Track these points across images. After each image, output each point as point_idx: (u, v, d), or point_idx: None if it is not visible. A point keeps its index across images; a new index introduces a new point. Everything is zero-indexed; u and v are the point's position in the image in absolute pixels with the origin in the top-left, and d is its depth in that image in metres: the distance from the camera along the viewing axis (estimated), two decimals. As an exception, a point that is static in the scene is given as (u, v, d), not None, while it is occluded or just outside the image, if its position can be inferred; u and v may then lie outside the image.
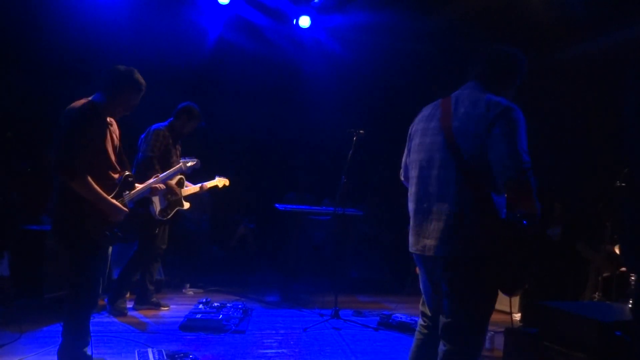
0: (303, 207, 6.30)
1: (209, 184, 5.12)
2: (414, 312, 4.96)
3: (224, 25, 6.81)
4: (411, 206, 2.60)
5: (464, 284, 2.38)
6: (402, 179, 2.87)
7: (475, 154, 2.31)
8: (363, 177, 5.75)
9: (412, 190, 2.60)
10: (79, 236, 3.02)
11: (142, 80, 3.27)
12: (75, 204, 2.99)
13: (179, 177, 4.78)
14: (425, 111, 2.64)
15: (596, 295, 4.86)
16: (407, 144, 2.75)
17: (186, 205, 4.91)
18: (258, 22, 6.79)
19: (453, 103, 2.46)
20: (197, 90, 7.37)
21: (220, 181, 5.19)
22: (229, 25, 6.82)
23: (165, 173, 4.40)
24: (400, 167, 2.84)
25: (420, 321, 2.77)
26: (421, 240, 2.47)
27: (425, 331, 2.71)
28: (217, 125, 7.98)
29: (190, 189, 4.97)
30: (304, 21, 6.85)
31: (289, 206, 6.11)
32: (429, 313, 2.69)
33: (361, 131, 5.04)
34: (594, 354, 3.05)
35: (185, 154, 4.86)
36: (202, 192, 6.87)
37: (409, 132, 2.73)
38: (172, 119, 4.99)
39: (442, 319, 2.48)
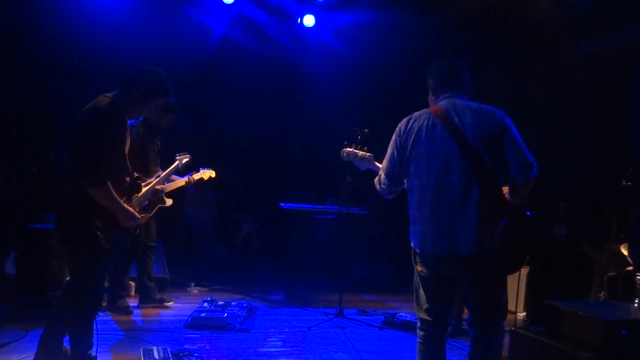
0: (307, 206, 6.28)
1: (195, 176, 4.92)
2: (418, 311, 4.94)
3: (228, 23, 6.80)
4: (426, 212, 2.62)
5: (493, 274, 2.59)
6: (382, 186, 2.88)
7: (492, 158, 2.53)
8: (368, 176, 5.73)
9: (426, 197, 2.62)
10: (86, 240, 2.90)
11: (171, 86, 3.11)
12: (85, 206, 2.86)
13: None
14: (419, 122, 2.68)
15: (602, 295, 4.84)
16: (397, 155, 2.75)
17: (168, 202, 4.70)
18: (262, 20, 6.78)
19: (452, 114, 2.60)
20: (201, 89, 7.38)
21: (205, 173, 4.98)
22: (233, 23, 6.81)
23: (164, 173, 4.38)
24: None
25: (419, 331, 2.79)
26: (446, 241, 2.55)
27: (427, 341, 2.76)
28: (221, 124, 8.00)
29: (176, 182, 4.78)
30: (309, 20, 6.84)
31: (293, 205, 6.10)
32: (429, 317, 2.74)
33: (365, 130, 5.02)
34: (599, 353, 3.04)
35: (186, 153, 4.76)
36: (206, 192, 6.94)
37: (399, 143, 2.73)
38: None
39: (471, 312, 2.67)
